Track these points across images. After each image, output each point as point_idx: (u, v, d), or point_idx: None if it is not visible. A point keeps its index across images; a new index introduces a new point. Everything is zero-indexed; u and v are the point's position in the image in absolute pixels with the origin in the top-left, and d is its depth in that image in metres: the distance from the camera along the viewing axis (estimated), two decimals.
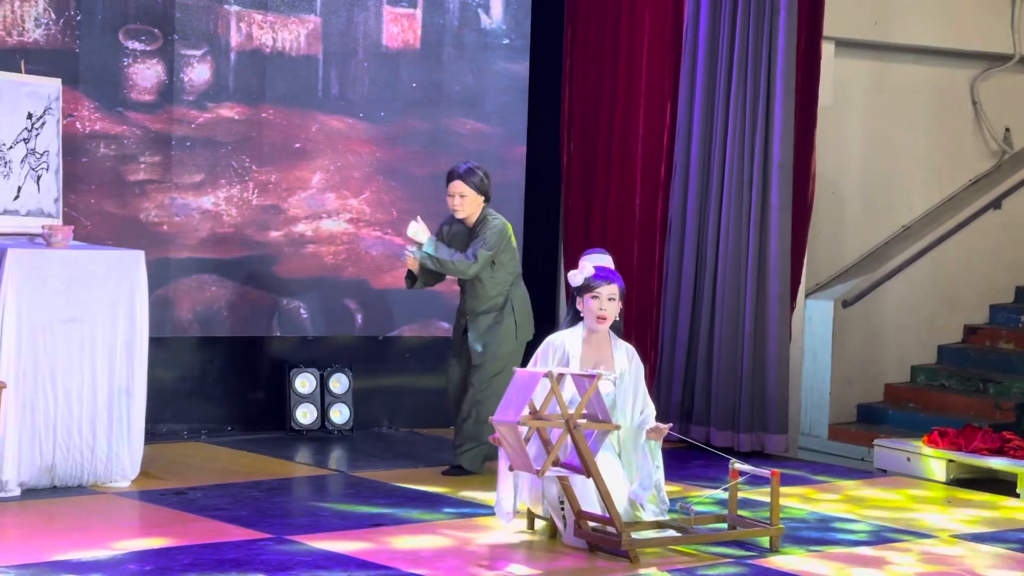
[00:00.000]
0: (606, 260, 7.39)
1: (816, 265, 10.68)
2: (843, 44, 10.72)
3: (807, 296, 10.44)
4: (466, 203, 8.51)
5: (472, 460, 8.62)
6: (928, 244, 11.26)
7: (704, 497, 7.89)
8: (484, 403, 8.49)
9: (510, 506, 7.17)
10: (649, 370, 9.99)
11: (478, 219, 8.56)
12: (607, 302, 7.24)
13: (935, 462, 9.09)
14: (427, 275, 8.63)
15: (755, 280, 9.61)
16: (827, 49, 10.08)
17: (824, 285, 10.97)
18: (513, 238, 8.65)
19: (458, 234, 8.64)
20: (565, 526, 7.05)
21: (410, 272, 8.63)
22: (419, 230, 8.52)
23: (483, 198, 8.55)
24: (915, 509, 8.23)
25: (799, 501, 8.25)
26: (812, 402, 10.61)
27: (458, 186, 8.52)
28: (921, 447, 9.21)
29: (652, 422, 7.23)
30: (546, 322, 10.24)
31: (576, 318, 7.35)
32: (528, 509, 7.25)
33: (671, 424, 7.34)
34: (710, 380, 9.73)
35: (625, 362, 7.28)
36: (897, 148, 11.34)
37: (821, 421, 10.62)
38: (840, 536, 7.49)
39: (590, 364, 7.20)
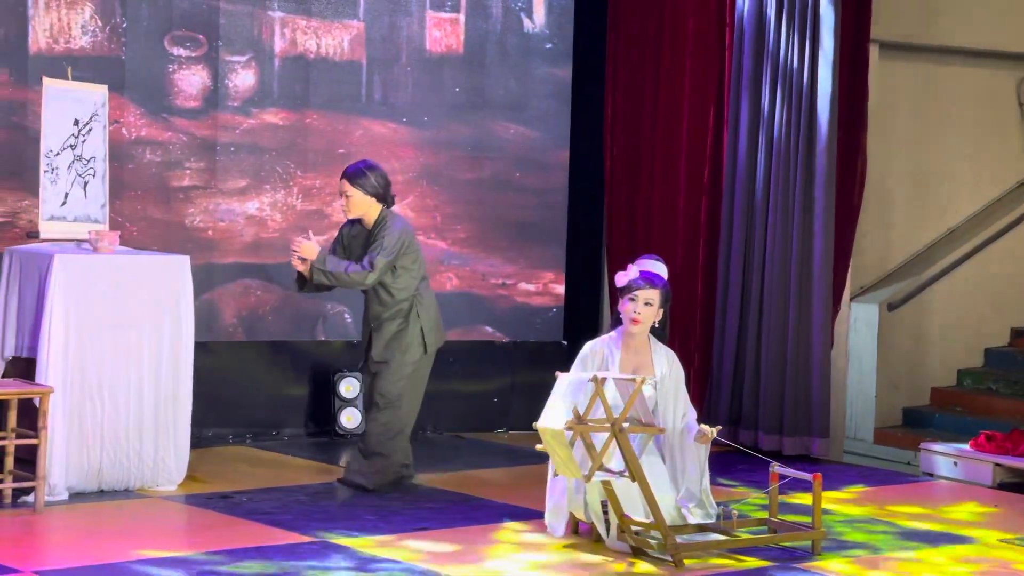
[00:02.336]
0: (657, 266, 7.37)
1: (861, 268, 10.63)
2: (889, 46, 10.67)
3: (852, 299, 10.40)
4: (352, 204, 8.08)
5: (375, 479, 8.17)
6: (974, 247, 11.19)
7: (747, 501, 7.87)
8: (388, 414, 8.12)
9: (560, 516, 7.17)
10: (693, 374, 9.97)
11: (376, 222, 8.11)
12: (643, 306, 7.23)
13: (982, 466, 9.03)
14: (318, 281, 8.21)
15: (800, 284, 9.58)
16: (873, 51, 10.04)
17: (869, 288, 10.92)
18: (415, 241, 8.21)
19: (357, 236, 8.20)
20: (608, 530, 7.04)
21: (300, 275, 8.20)
22: (309, 247, 8.03)
23: (375, 200, 8.09)
24: (962, 514, 8.18)
25: (843, 505, 8.22)
26: (857, 406, 10.56)
27: (343, 185, 8.10)
28: (968, 451, 9.16)
29: (696, 425, 7.21)
30: (589, 326, 10.26)
31: (618, 322, 7.35)
32: (571, 513, 7.25)
33: (719, 427, 7.30)
34: (758, 384, 9.70)
35: (665, 366, 7.27)
36: (943, 150, 11.28)
37: (867, 425, 10.57)
38: (884, 540, 7.45)
39: (629, 369, 7.19)
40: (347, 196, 8.10)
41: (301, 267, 8.10)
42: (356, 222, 8.20)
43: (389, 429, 8.15)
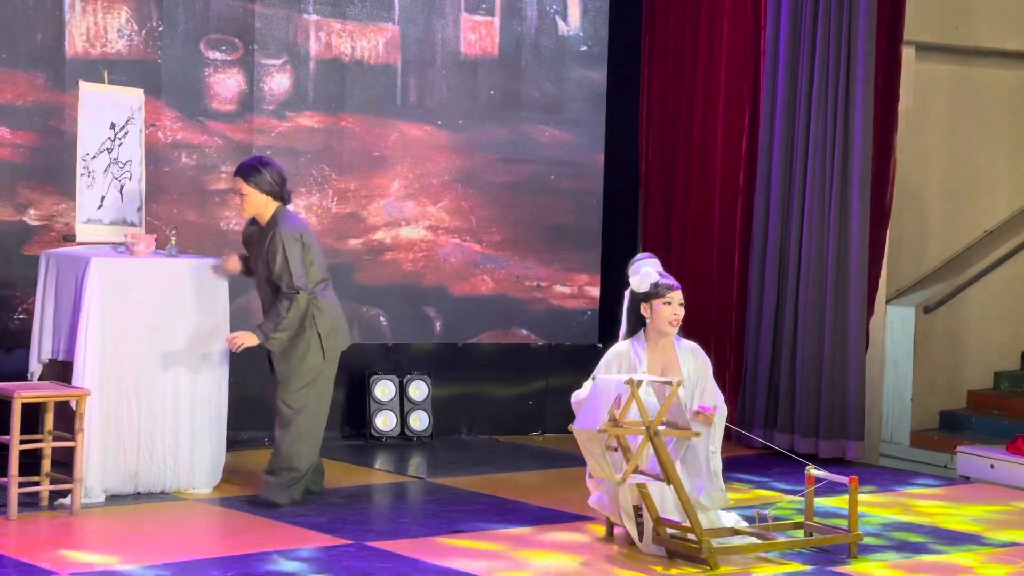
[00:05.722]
0: (659, 265, 7.38)
1: (898, 271, 10.60)
2: (924, 48, 10.63)
3: (888, 302, 10.36)
4: (247, 202, 7.77)
5: (289, 493, 7.88)
6: (1011, 249, 11.14)
7: (783, 503, 7.85)
8: (295, 423, 7.85)
9: (603, 509, 7.17)
10: (728, 376, 9.95)
11: (269, 221, 7.77)
12: (679, 307, 7.24)
13: (1019, 469, 8.99)
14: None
15: (835, 287, 9.55)
16: (908, 53, 10.00)
17: (906, 291, 10.88)
18: (311, 243, 7.81)
19: (254, 234, 7.88)
20: (640, 533, 7.03)
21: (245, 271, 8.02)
22: (248, 337, 7.78)
23: (270, 198, 7.75)
24: (999, 517, 8.14)
25: (879, 509, 8.19)
26: (894, 409, 10.52)
27: (237, 183, 7.77)
28: (1005, 454, 9.12)
29: (710, 406, 7.14)
30: None
31: (638, 325, 7.30)
32: (607, 516, 7.25)
33: (715, 405, 7.18)
34: (793, 387, 9.68)
35: (691, 362, 7.26)
36: (979, 152, 11.24)
37: (903, 428, 10.53)
38: (920, 544, 7.42)
39: (657, 369, 7.19)
40: (242, 195, 7.78)
41: (233, 267, 7.96)
42: (254, 220, 7.92)
43: (296, 439, 7.87)
